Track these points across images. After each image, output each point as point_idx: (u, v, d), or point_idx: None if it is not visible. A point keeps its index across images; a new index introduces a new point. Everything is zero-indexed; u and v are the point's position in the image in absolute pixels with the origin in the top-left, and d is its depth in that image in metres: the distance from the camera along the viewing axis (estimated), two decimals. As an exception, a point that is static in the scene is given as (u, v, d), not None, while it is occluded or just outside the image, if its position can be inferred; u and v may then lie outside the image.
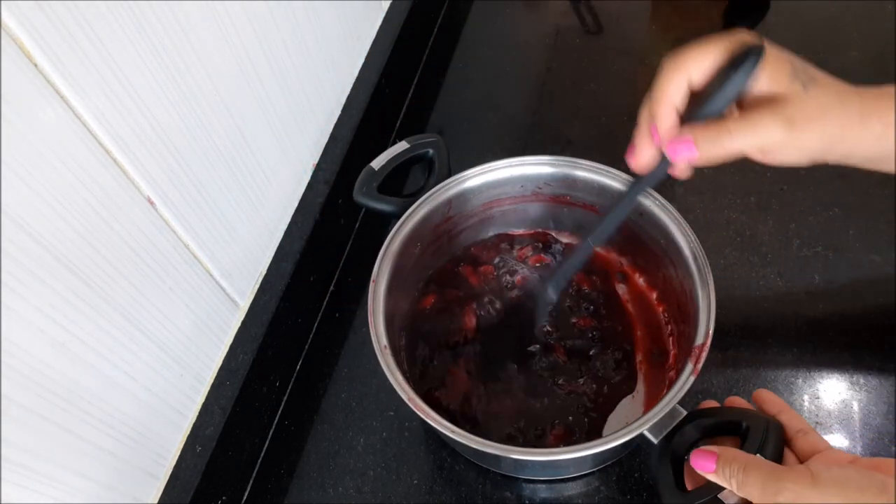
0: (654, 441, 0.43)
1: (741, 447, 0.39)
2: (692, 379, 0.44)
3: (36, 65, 0.35)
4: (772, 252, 0.64)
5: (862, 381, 0.56)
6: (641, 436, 0.43)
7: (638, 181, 0.46)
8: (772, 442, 0.39)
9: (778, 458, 0.39)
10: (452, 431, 0.44)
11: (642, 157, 0.44)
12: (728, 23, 0.85)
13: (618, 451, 0.45)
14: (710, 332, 0.46)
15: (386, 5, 0.79)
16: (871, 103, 0.41)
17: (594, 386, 0.54)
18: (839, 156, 0.42)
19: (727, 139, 0.40)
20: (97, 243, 0.41)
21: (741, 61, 0.39)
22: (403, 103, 0.82)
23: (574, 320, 0.58)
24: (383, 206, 0.55)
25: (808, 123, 0.39)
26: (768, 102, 0.40)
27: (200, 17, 0.47)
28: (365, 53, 0.75)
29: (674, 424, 0.43)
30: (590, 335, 0.57)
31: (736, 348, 0.58)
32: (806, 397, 0.56)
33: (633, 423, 0.43)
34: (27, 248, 0.36)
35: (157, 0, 0.42)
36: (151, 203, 0.45)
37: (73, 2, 0.37)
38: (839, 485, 0.33)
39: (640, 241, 0.55)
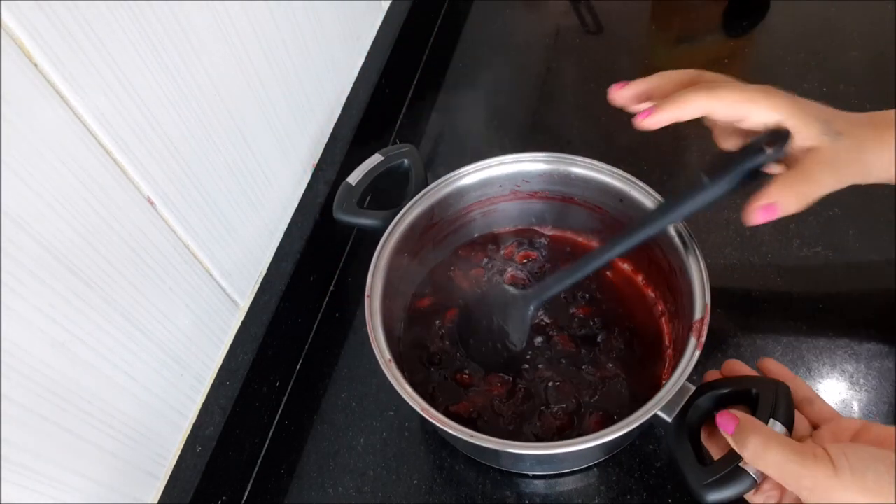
0: (668, 419, 0.43)
1: (754, 414, 0.40)
2: (697, 353, 0.44)
3: (36, 65, 0.35)
4: (772, 252, 0.64)
5: (862, 381, 0.56)
6: (655, 416, 0.43)
7: (667, 209, 0.47)
8: (783, 406, 0.40)
9: (790, 422, 0.40)
10: (471, 436, 0.44)
11: (621, 101, 0.48)
12: (728, 23, 0.85)
13: (627, 437, 0.45)
14: (708, 304, 0.46)
15: (386, 5, 0.79)
16: (881, 136, 0.45)
17: (617, 370, 0.55)
18: (855, 181, 0.47)
19: (803, 197, 0.44)
20: (97, 243, 0.41)
21: (769, 141, 0.44)
22: (403, 103, 0.82)
23: (573, 310, 0.58)
24: (364, 221, 0.55)
25: (846, 169, 0.45)
26: (811, 155, 0.45)
27: (200, 17, 0.47)
28: (365, 53, 0.75)
29: (685, 400, 0.43)
30: (591, 322, 0.57)
31: (736, 348, 0.58)
32: (806, 397, 0.56)
33: (646, 404, 0.43)
34: (27, 248, 0.36)
35: (157, 0, 0.42)
36: (151, 203, 0.45)
37: (73, 2, 0.37)
38: (858, 473, 0.35)
39: (622, 227, 0.56)
